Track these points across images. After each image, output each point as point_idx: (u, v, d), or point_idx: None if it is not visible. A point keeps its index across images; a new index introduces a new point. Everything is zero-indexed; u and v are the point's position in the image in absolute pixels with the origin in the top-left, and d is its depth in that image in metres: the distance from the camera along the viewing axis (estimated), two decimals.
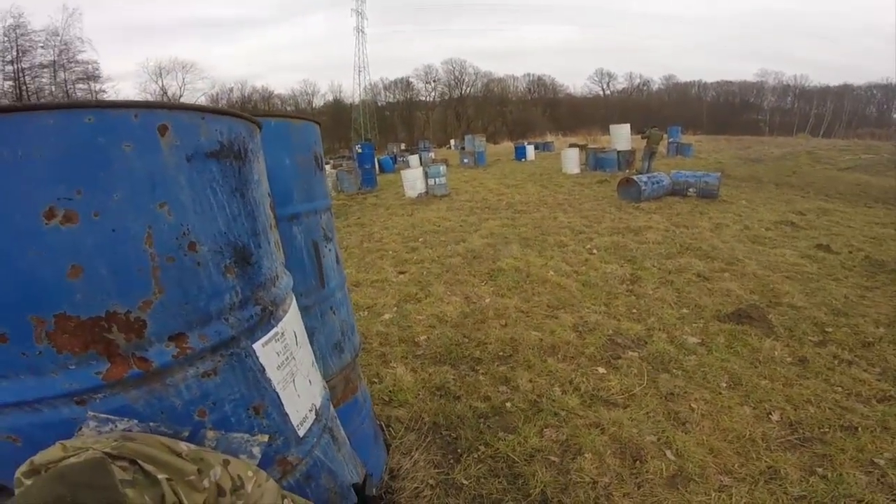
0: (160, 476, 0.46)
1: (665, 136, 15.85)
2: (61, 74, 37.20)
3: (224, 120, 0.60)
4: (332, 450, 0.89)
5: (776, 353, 2.87)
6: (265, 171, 0.72)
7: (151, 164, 0.51)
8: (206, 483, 0.55)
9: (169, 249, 0.54)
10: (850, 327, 3.22)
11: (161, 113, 0.52)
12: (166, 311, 0.55)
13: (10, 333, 0.48)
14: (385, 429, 2.23)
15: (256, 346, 0.65)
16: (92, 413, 0.52)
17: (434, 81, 61.20)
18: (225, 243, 0.60)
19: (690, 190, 8.37)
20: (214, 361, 0.60)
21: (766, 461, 1.97)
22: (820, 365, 2.72)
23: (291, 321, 0.75)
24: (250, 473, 0.63)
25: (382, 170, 16.16)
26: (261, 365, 0.65)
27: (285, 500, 0.67)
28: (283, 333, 0.70)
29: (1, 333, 0.48)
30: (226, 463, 0.60)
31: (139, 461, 0.45)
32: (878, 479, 1.87)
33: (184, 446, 0.56)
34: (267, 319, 0.67)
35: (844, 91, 54.87)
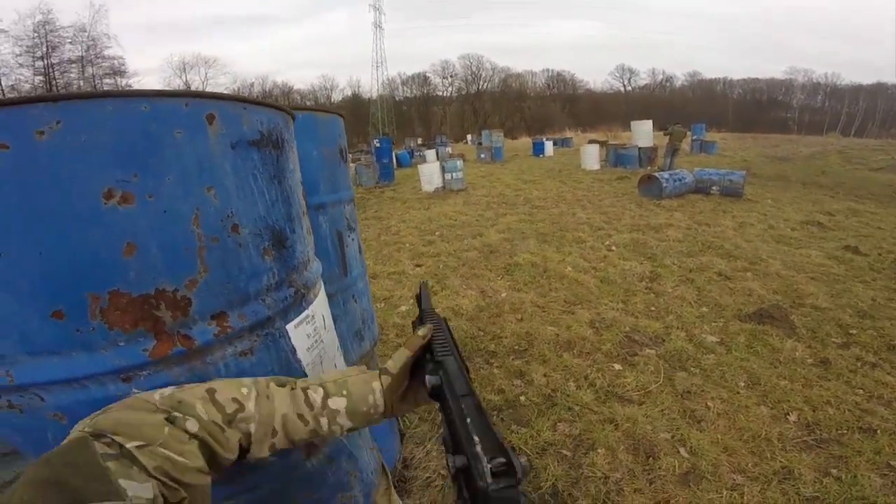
0: (128, 445, 0.42)
1: (688, 133, 15.50)
2: (89, 69, 38.41)
3: (264, 111, 0.63)
4: (354, 435, 0.91)
5: (797, 353, 2.83)
6: (298, 161, 0.75)
7: (200, 150, 0.54)
8: (189, 426, 0.48)
9: (214, 231, 0.56)
10: (876, 330, 3.14)
11: (209, 102, 0.55)
12: (210, 290, 0.57)
13: (67, 310, 0.50)
14: (400, 419, 2.27)
15: (289, 327, 0.67)
16: (136, 390, 0.53)
17: (451, 77, 61.19)
18: (264, 227, 0.62)
19: (714, 188, 8.18)
20: (251, 341, 0.62)
21: (780, 461, 1.96)
22: (842, 367, 2.68)
23: (321, 305, 0.78)
24: (245, 391, 0.55)
25: (400, 164, 16.21)
26: (293, 346, 0.68)
27: (310, 391, 0.60)
28: (313, 316, 0.73)
29: (58, 310, 0.49)
30: (211, 393, 0.52)
31: (107, 433, 0.42)
32: (892, 482, 1.85)
33: (157, 395, 0.50)
34: (299, 302, 0.70)
35: (878, 90, 52.78)
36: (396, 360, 0.67)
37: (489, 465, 0.34)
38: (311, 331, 0.72)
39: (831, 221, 6.48)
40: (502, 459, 0.35)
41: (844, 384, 2.51)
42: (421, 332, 0.70)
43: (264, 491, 0.69)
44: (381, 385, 0.64)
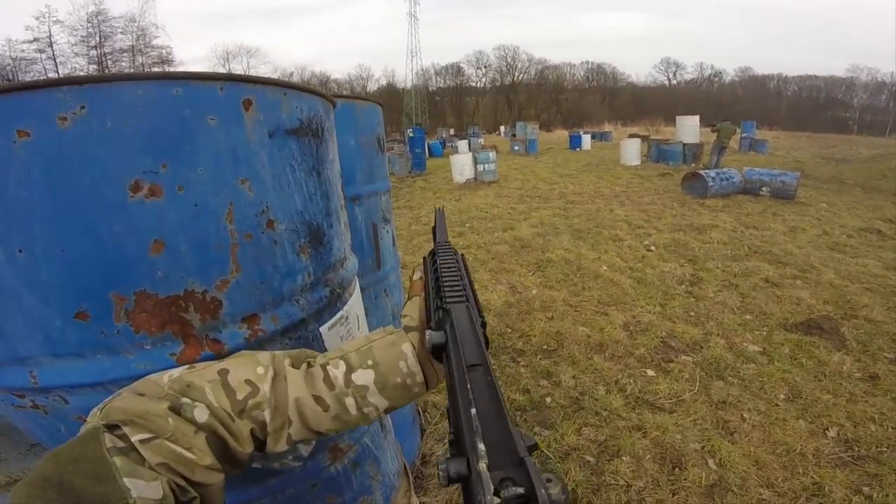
0: (134, 438, 0.38)
1: (738, 130, 14.72)
2: (139, 59, 40.24)
3: (304, 97, 0.59)
4: (380, 437, 0.89)
5: (845, 367, 2.67)
6: (337, 151, 0.71)
7: (235, 138, 0.51)
8: (197, 415, 0.42)
9: (248, 226, 0.53)
10: None
11: (246, 87, 0.51)
12: (241, 291, 0.53)
13: (91, 310, 0.47)
14: (421, 413, 2.25)
15: (323, 329, 0.64)
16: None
17: (485, 67, 60.59)
18: (301, 222, 0.59)
19: (764, 189, 7.71)
20: (283, 344, 0.59)
21: (811, 477, 1.88)
22: (891, 382, 2.52)
23: (355, 304, 0.74)
24: (261, 371, 0.48)
25: (431, 154, 16.17)
26: (325, 349, 0.64)
27: (329, 367, 0.51)
28: (347, 317, 0.69)
29: (82, 310, 0.47)
30: (223, 374, 0.46)
31: (119, 424, 0.39)
32: None
33: (166, 377, 0.45)
34: (334, 302, 0.66)
35: None
36: (412, 312, 0.56)
37: (495, 498, 0.21)
38: (345, 332, 0.69)
39: (892, 230, 6.00)
40: (519, 490, 0.22)
41: (892, 401, 2.37)
42: (416, 275, 0.60)
43: (286, 496, 0.67)
44: (413, 346, 0.52)
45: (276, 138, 0.54)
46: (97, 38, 38.15)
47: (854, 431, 2.14)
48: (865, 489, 1.82)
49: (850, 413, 2.26)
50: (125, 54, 39.80)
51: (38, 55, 36.32)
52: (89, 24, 37.84)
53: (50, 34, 36.68)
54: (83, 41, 37.99)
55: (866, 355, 2.80)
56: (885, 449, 2.03)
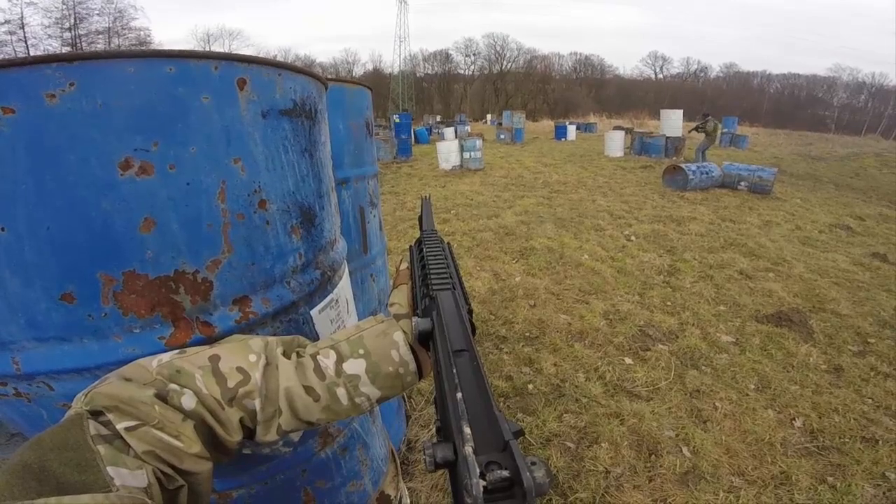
0: (119, 426, 0.37)
1: (719, 125, 14.99)
2: (116, 41, 38.60)
3: (298, 78, 0.58)
4: (368, 422, 0.89)
5: (811, 359, 2.78)
6: (328, 133, 0.71)
7: (228, 118, 0.50)
8: (184, 402, 0.42)
9: (240, 206, 0.52)
10: (895, 340, 3.05)
11: (241, 66, 0.50)
12: (233, 272, 0.52)
13: (78, 292, 0.45)
14: (407, 400, 2.27)
15: (314, 312, 0.63)
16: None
17: (474, 55, 60.10)
18: (292, 203, 0.58)
19: (742, 184, 7.90)
20: (274, 328, 0.58)
21: (780, 466, 1.96)
22: (854, 375, 2.63)
23: (344, 288, 0.74)
24: (253, 358, 0.47)
25: (417, 141, 16.01)
26: (316, 333, 0.64)
27: (320, 356, 0.50)
28: (337, 300, 0.69)
29: (68, 292, 0.45)
30: (214, 360, 0.45)
31: (104, 410, 0.38)
32: (884, 493, 1.84)
33: (155, 362, 0.44)
34: (325, 285, 0.65)
35: None
36: (401, 300, 0.55)
37: (481, 481, 0.22)
38: (335, 315, 0.69)
39: (861, 226, 6.23)
40: (504, 473, 0.23)
41: (854, 392, 2.47)
42: (402, 265, 0.60)
43: (277, 481, 0.67)
44: (405, 334, 0.51)
45: (270, 119, 0.53)
46: (72, 20, 36.45)
47: (819, 422, 2.22)
48: (830, 479, 1.89)
49: (815, 404, 2.35)
50: (101, 36, 38.18)
51: (9, 37, 34.58)
52: (64, 6, 36.16)
53: (22, 16, 34.94)
54: (57, 23, 36.31)
55: (832, 348, 2.92)
56: (847, 440, 2.11)
